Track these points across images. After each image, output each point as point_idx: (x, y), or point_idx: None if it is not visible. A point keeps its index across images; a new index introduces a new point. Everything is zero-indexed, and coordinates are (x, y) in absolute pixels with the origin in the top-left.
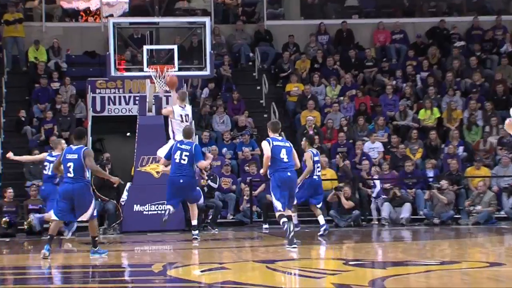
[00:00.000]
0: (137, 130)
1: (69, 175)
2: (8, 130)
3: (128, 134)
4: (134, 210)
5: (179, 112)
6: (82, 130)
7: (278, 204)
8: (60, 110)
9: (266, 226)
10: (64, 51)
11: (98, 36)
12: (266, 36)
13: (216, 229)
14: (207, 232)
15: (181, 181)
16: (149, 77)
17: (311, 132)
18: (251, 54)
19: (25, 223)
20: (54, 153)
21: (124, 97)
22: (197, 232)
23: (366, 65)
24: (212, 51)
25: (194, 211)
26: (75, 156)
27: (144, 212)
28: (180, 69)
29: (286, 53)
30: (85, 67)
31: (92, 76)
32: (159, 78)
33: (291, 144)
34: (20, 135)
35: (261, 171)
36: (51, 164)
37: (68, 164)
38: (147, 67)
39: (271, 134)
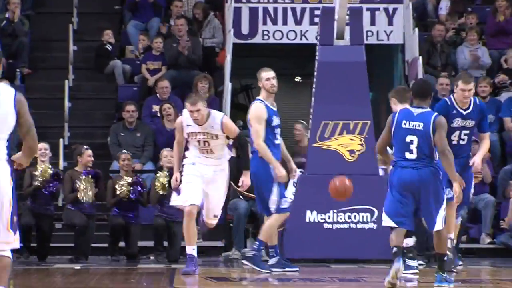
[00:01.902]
0: (315, 72)
1: (409, 155)
2: (81, 67)
3: (297, 78)
4: (307, 220)
5: (190, 130)
6: (427, 83)
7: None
8: (170, 32)
9: None
10: None
11: None
12: None
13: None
14: None
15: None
16: None
17: None
18: None
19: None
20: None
21: (293, 10)
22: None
23: None
24: None
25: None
26: (420, 125)
27: (326, 225)
28: None
29: None
30: None
31: None
32: None
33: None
34: (103, 76)
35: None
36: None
37: (409, 138)
38: None
39: (395, 106)
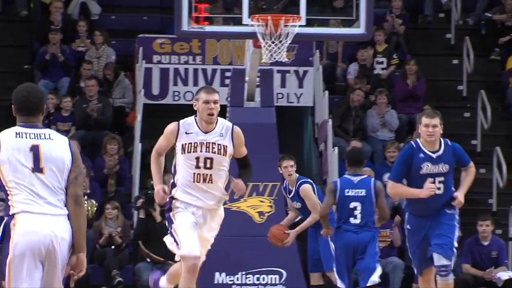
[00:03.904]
0: None
1: (353, 220)
2: None
3: None
4: (216, 282)
5: (189, 140)
6: (360, 152)
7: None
8: (83, 91)
9: None
10: None
11: None
12: None
13: None
14: None
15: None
16: (252, 35)
17: None
18: None
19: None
20: None
21: (204, 71)
22: None
23: None
24: None
25: None
26: (363, 192)
27: (234, 287)
28: (309, 24)
29: None
30: (134, 14)
31: (146, 31)
32: (271, 38)
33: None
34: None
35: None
36: None
37: (353, 205)
38: (249, 17)
39: None
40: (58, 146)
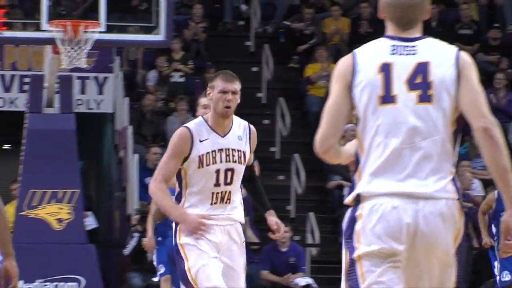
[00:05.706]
0: (24, 140)
1: None
2: None
3: (6, 146)
4: None
5: (206, 149)
6: None
7: None
8: None
9: None
10: None
11: None
12: None
13: None
14: None
15: None
16: (51, 41)
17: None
18: (243, 6)
19: None
20: None
21: (2, 76)
22: None
23: (460, 35)
24: None
25: None
26: None
27: None
28: (109, 30)
29: (307, 7)
30: None
31: None
32: (70, 44)
33: None
34: None
35: None
36: None
37: None
38: (47, 22)
39: None
40: None
